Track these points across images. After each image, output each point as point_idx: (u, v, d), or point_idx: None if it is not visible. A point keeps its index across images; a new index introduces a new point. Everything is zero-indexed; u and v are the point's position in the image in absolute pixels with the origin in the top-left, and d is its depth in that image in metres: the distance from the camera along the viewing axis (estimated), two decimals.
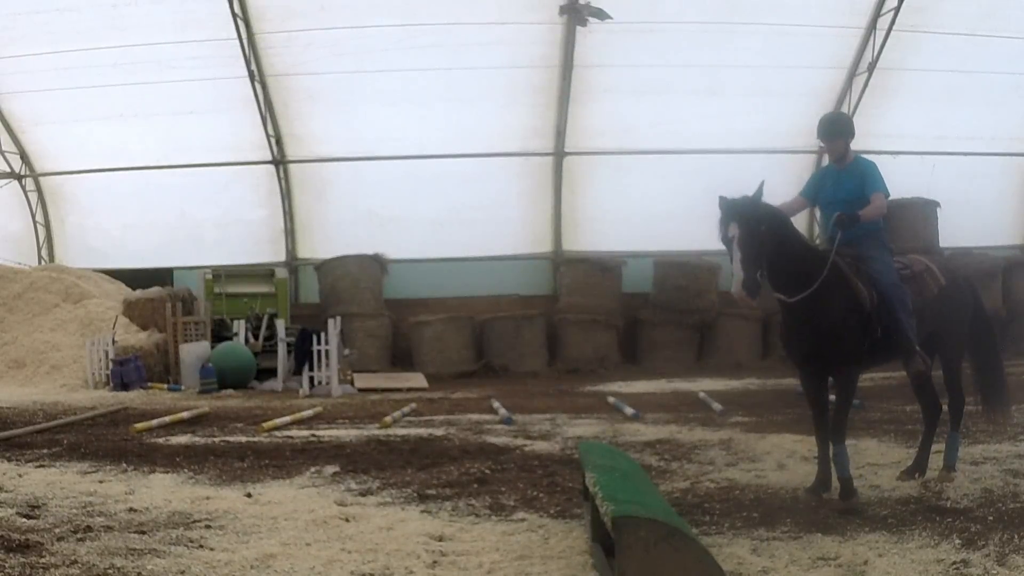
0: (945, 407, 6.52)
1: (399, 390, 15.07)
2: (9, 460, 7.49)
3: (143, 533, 4.99)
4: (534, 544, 4.86)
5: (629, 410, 10.60)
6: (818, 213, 6.79)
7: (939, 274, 6.30)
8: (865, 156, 6.40)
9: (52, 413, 11.24)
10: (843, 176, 6.23)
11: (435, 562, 4.54)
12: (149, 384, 15.01)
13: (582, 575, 4.37)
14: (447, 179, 19.31)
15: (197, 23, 17.11)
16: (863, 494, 5.77)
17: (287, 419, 10.35)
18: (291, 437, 9.12)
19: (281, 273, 18.90)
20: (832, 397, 6.08)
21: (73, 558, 4.40)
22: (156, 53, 17.44)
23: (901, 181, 19.14)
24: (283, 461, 7.59)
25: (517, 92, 18.61)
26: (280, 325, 16.07)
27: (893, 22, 17.60)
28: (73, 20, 17.07)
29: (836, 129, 6.25)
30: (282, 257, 19.78)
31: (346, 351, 15.73)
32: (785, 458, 7.19)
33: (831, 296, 5.72)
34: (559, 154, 19.32)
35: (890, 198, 6.22)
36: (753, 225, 5.58)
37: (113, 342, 15.73)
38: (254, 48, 17.65)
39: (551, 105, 18.84)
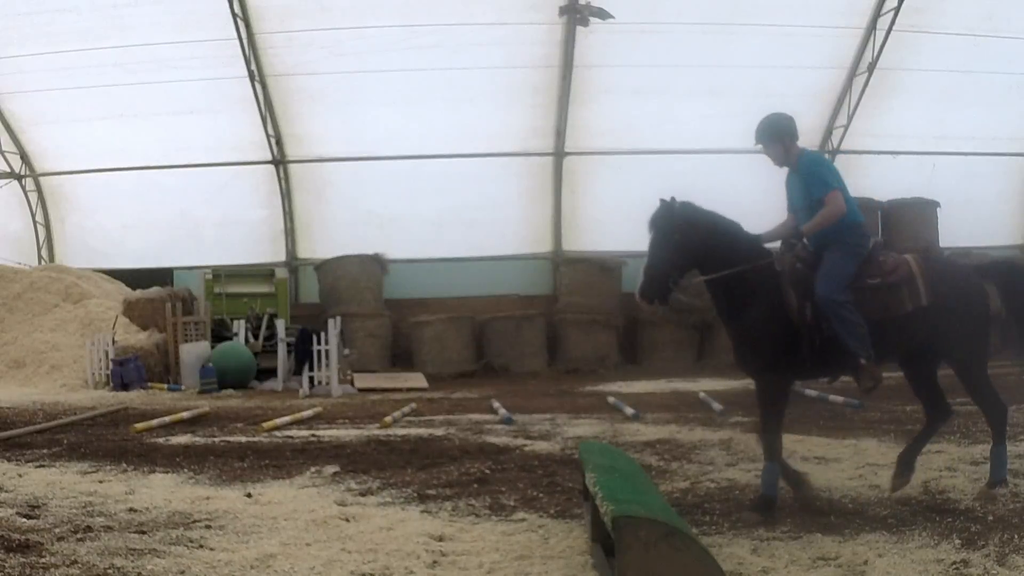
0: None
1: (399, 390, 15.07)
2: (9, 460, 7.49)
3: (143, 533, 4.99)
4: (534, 544, 4.86)
5: (629, 410, 10.60)
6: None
7: (923, 289, 5.55)
8: (810, 151, 6.00)
9: (52, 413, 11.23)
10: (794, 179, 5.89)
11: (435, 562, 4.54)
12: (149, 384, 15.02)
13: (582, 575, 4.36)
14: (447, 179, 19.31)
15: (197, 23, 17.12)
16: (863, 494, 5.77)
17: (287, 419, 10.34)
18: (291, 437, 9.12)
19: (281, 273, 18.90)
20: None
21: (73, 558, 4.39)
22: (156, 53, 17.45)
23: (901, 181, 19.25)
24: (283, 461, 7.58)
25: (517, 92, 18.61)
26: (280, 325, 16.08)
27: (893, 22, 17.61)
28: (73, 20, 17.08)
29: (772, 132, 5.84)
30: (282, 257, 19.79)
31: (346, 351, 15.73)
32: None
33: (753, 305, 5.52)
34: (559, 154, 19.33)
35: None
36: (666, 232, 5.51)
37: (113, 342, 15.74)
38: (254, 48, 17.66)
39: (551, 105, 18.85)
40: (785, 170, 6.00)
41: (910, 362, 5.83)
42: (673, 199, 5.62)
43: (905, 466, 5.76)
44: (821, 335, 5.43)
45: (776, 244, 5.84)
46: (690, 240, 5.52)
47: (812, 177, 5.75)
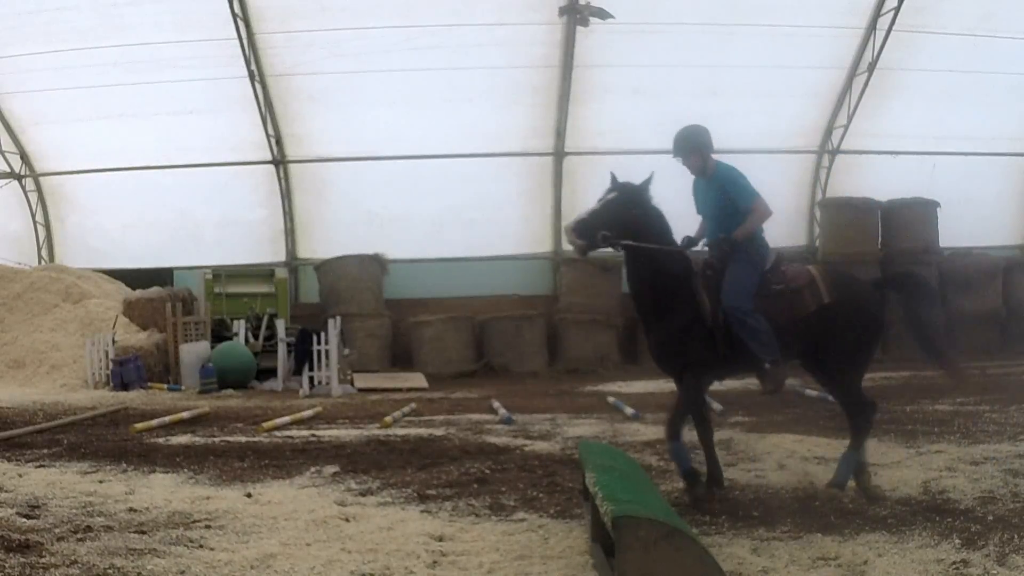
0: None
1: (399, 390, 15.07)
2: (9, 460, 7.49)
3: (143, 533, 4.99)
4: (534, 544, 4.86)
5: (629, 410, 10.59)
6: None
7: (823, 291, 5.88)
8: (723, 163, 6.28)
9: (52, 413, 11.23)
10: (707, 188, 6.20)
11: (435, 562, 4.54)
12: (149, 384, 15.02)
13: (582, 575, 4.36)
14: (447, 179, 19.32)
15: (197, 23, 17.12)
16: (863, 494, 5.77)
17: (287, 419, 10.34)
18: (291, 437, 9.12)
19: (281, 273, 18.90)
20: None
21: (73, 558, 4.39)
22: (156, 53, 17.45)
23: (901, 181, 19.26)
24: (283, 461, 7.58)
25: (517, 92, 18.62)
26: (280, 325, 16.08)
27: (893, 22, 17.62)
28: (73, 20, 17.08)
29: (691, 144, 6.20)
30: (282, 257, 19.79)
31: (346, 351, 15.73)
32: (785, 458, 7.18)
33: (674, 306, 5.85)
34: (559, 154, 19.33)
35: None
36: (627, 200, 5.88)
37: (113, 342, 15.74)
38: (254, 48, 17.66)
39: (551, 105, 18.85)
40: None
41: (814, 362, 6.06)
42: (643, 182, 6.01)
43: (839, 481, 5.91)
44: (732, 338, 5.78)
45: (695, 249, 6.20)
46: (645, 221, 5.90)
47: (736, 187, 6.09)
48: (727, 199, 6.07)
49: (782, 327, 5.80)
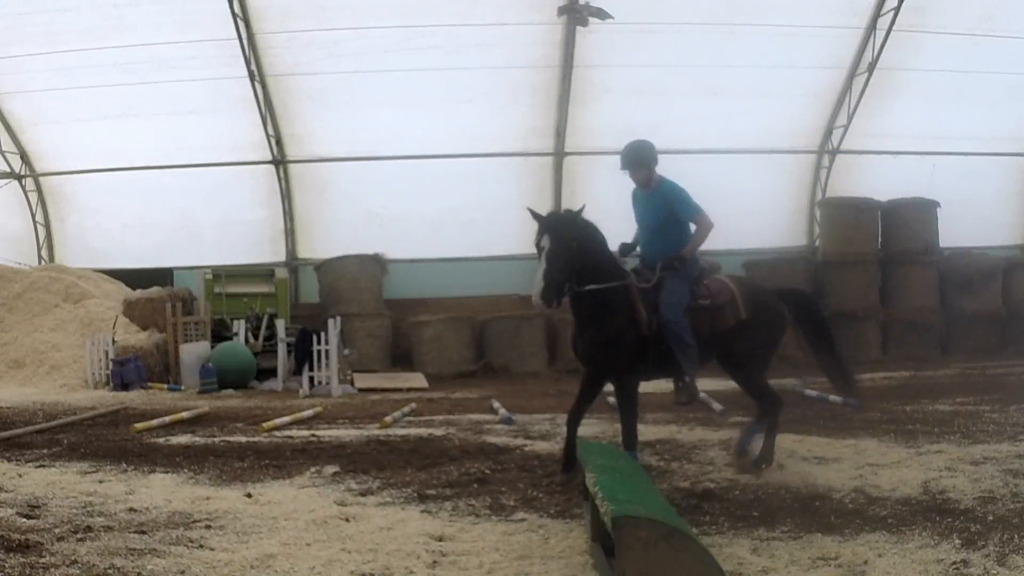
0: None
1: (399, 390, 15.07)
2: (9, 460, 7.49)
3: (143, 533, 4.99)
4: (534, 544, 4.86)
5: None
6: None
7: (742, 307, 6.65)
8: (667, 178, 6.75)
9: (52, 413, 11.23)
10: (649, 200, 6.72)
11: (435, 562, 4.54)
12: (149, 384, 15.02)
13: (582, 575, 4.36)
14: (447, 179, 19.31)
15: (197, 23, 17.11)
16: (863, 494, 5.77)
17: (287, 419, 10.34)
18: (291, 437, 9.12)
19: (281, 273, 18.89)
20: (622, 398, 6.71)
21: (73, 558, 4.39)
22: (156, 53, 17.44)
23: (901, 181, 19.26)
24: (283, 461, 7.59)
25: (517, 92, 18.61)
26: (280, 325, 16.07)
27: (893, 22, 17.61)
28: (73, 20, 17.07)
29: (639, 159, 6.71)
30: (282, 257, 19.78)
31: (346, 351, 15.73)
32: (785, 458, 7.18)
33: (614, 314, 6.36)
34: (559, 154, 19.32)
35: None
36: (565, 240, 6.23)
37: (113, 342, 15.73)
38: (254, 48, 17.65)
39: (551, 105, 18.84)
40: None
41: (731, 367, 6.89)
42: (568, 211, 6.51)
43: (742, 449, 6.92)
44: (662, 345, 6.40)
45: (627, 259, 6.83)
46: (585, 246, 6.34)
47: (679, 202, 6.66)
48: (669, 212, 6.64)
49: (704, 339, 6.53)
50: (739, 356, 6.74)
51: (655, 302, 6.41)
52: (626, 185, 7.11)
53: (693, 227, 6.71)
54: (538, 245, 6.26)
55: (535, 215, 6.43)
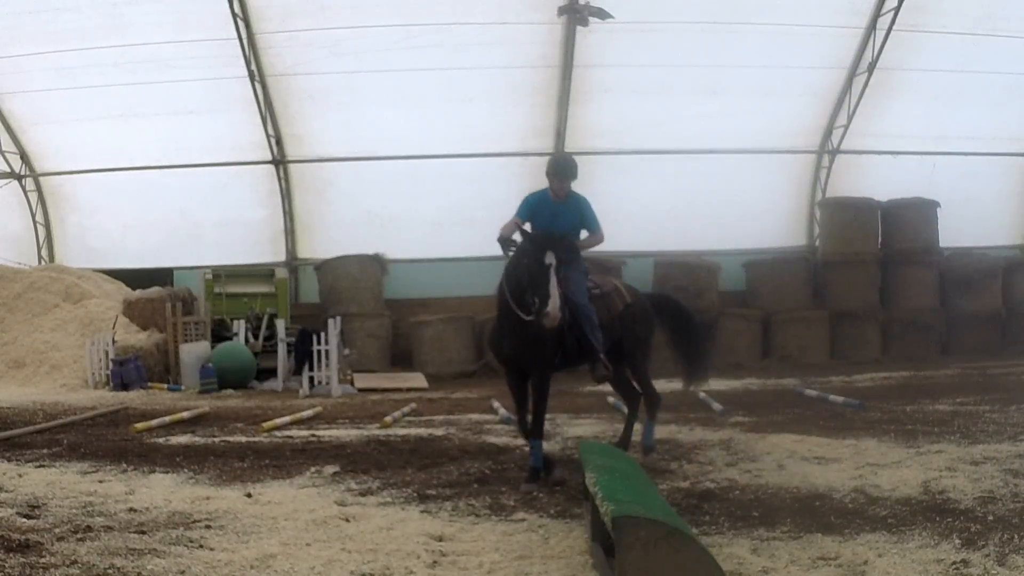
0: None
1: (399, 390, 15.07)
2: (9, 460, 7.49)
3: (143, 533, 4.99)
4: (534, 544, 4.86)
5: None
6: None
7: (625, 294, 7.54)
8: (578, 193, 7.36)
9: (52, 413, 11.23)
10: (561, 209, 7.23)
11: (435, 562, 4.54)
12: (149, 384, 15.02)
13: (582, 575, 4.36)
14: (447, 179, 19.30)
15: (197, 23, 17.11)
16: (863, 494, 5.77)
17: (287, 419, 10.35)
18: (291, 437, 9.12)
19: (281, 273, 18.88)
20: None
21: (73, 558, 4.39)
22: (156, 53, 17.44)
23: (901, 181, 19.26)
24: (283, 461, 7.59)
25: (517, 92, 18.60)
26: (280, 325, 16.07)
27: (893, 22, 17.61)
28: (73, 20, 17.06)
29: (569, 171, 7.27)
30: (282, 257, 19.78)
31: (346, 351, 15.74)
32: (785, 458, 7.18)
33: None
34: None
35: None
36: (566, 258, 6.66)
37: (113, 342, 15.74)
38: (254, 48, 17.65)
39: (551, 105, 18.83)
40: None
41: (625, 355, 7.47)
42: (525, 231, 6.88)
43: (647, 448, 7.55)
44: (575, 331, 6.85)
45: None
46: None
47: (591, 215, 7.35)
48: (581, 220, 7.30)
49: (603, 324, 7.09)
50: (629, 342, 7.42)
51: (564, 293, 6.70)
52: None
53: (584, 234, 7.40)
54: (540, 262, 6.48)
55: (526, 234, 6.86)
